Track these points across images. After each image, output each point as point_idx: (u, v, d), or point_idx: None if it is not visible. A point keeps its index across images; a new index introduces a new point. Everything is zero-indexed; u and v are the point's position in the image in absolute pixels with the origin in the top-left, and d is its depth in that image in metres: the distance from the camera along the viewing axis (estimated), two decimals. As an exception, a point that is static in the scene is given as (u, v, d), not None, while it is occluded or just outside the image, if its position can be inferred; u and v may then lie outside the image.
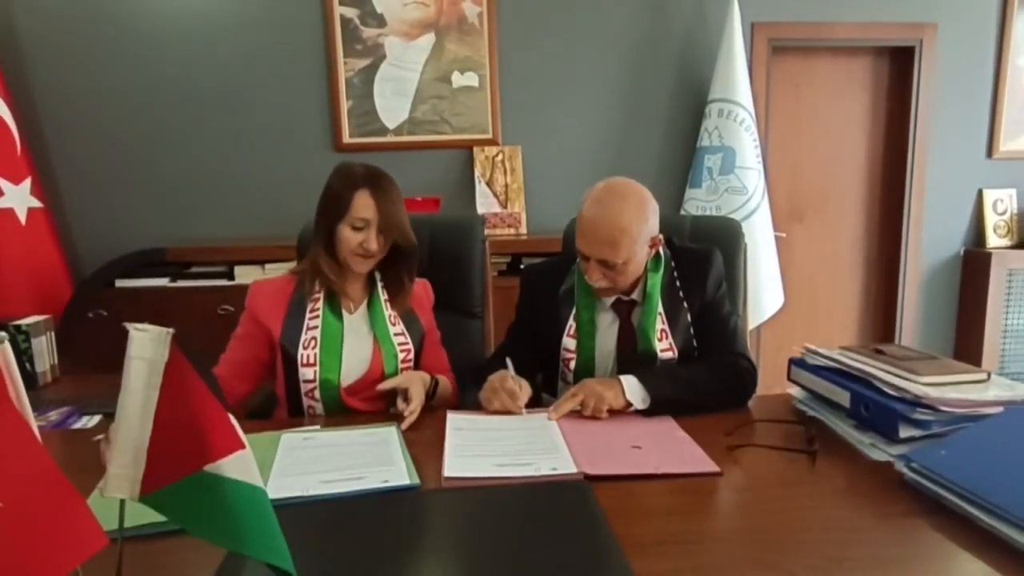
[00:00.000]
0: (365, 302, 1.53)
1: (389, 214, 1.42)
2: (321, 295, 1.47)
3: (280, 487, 0.97)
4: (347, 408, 1.43)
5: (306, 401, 1.44)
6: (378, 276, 1.53)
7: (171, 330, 0.63)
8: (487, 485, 0.99)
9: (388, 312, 1.51)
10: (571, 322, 1.48)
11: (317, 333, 1.44)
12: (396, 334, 1.50)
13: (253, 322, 1.48)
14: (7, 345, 0.61)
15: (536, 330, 1.53)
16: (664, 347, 1.43)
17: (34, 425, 0.63)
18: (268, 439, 1.19)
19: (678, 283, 1.48)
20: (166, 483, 0.64)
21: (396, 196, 1.45)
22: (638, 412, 1.29)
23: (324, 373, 1.41)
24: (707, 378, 1.34)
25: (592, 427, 1.23)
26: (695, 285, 1.47)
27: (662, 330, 1.44)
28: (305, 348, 1.42)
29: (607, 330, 1.48)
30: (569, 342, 1.47)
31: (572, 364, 1.47)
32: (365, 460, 1.09)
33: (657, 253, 1.47)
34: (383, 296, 1.52)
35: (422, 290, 1.61)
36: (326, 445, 1.18)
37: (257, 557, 0.65)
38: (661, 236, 1.45)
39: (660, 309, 1.44)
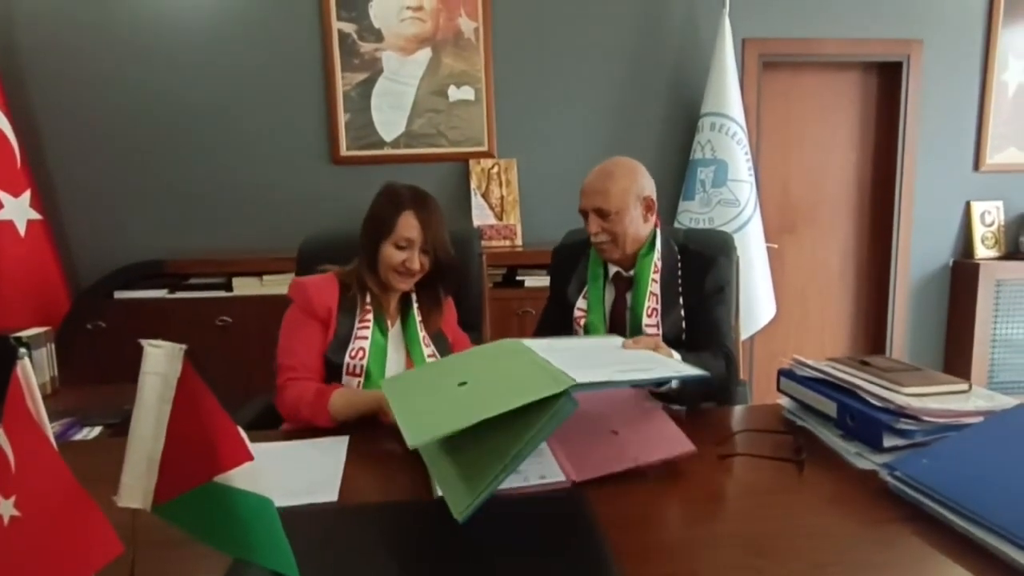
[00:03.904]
0: (399, 320, 1.56)
1: (433, 235, 1.48)
2: (372, 308, 1.50)
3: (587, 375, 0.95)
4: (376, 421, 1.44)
5: None
6: (414, 296, 1.57)
7: (184, 346, 0.65)
8: None
9: (421, 333, 1.55)
10: (586, 287, 1.66)
11: (366, 344, 1.46)
12: (428, 355, 1.53)
13: (316, 320, 1.47)
14: (27, 360, 0.64)
15: (562, 296, 1.70)
16: (650, 323, 1.55)
17: (51, 436, 0.65)
18: (510, 347, 1.17)
19: (680, 276, 1.60)
20: (178, 493, 0.67)
21: (439, 216, 1.51)
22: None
23: (368, 385, 1.44)
24: (709, 361, 1.43)
25: (571, 418, 1.23)
26: (694, 283, 1.59)
27: (653, 308, 1.56)
28: (352, 358, 1.44)
29: (607, 302, 1.64)
30: (582, 303, 1.65)
31: (583, 322, 1.62)
32: (628, 358, 1.11)
33: (653, 239, 1.61)
34: (418, 316, 1.56)
35: (447, 307, 1.65)
36: (570, 348, 1.19)
37: (264, 564, 0.68)
38: (654, 199, 1.60)
39: (656, 291, 1.57)
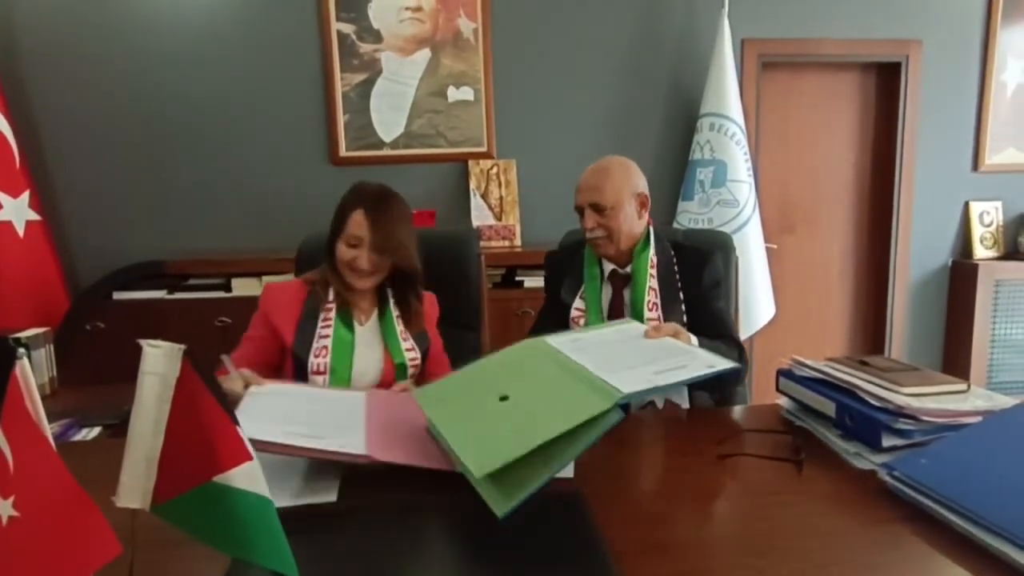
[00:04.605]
0: (376, 314, 1.57)
1: (383, 236, 1.45)
2: (334, 305, 1.51)
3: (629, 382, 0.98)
4: None
5: None
6: (390, 292, 1.57)
7: (183, 346, 0.65)
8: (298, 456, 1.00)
9: (399, 327, 1.55)
10: (582, 288, 1.67)
11: (328, 342, 1.47)
12: (407, 349, 1.54)
13: (265, 324, 1.51)
14: (26, 361, 0.64)
15: (558, 300, 1.70)
16: (652, 317, 1.56)
17: (50, 437, 0.65)
18: (540, 350, 1.16)
19: (677, 272, 1.61)
20: (177, 493, 0.67)
21: (395, 219, 1.48)
22: None
23: (334, 382, 1.45)
24: (724, 350, 1.43)
25: (397, 409, 1.22)
26: (692, 277, 1.60)
27: (653, 303, 1.57)
28: (316, 356, 1.46)
29: (603, 300, 1.64)
30: (580, 303, 1.66)
31: (582, 322, 1.63)
32: (657, 352, 1.14)
33: (647, 234, 1.63)
34: (395, 312, 1.56)
35: (429, 304, 1.64)
36: (596, 344, 1.20)
37: (264, 564, 0.68)
38: (648, 195, 1.63)
39: (654, 285, 1.59)
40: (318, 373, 1.45)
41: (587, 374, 1.02)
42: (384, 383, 1.50)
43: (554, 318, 1.70)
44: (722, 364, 1.07)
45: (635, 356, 1.13)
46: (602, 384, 0.97)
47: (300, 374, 1.47)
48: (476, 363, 1.21)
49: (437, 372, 1.60)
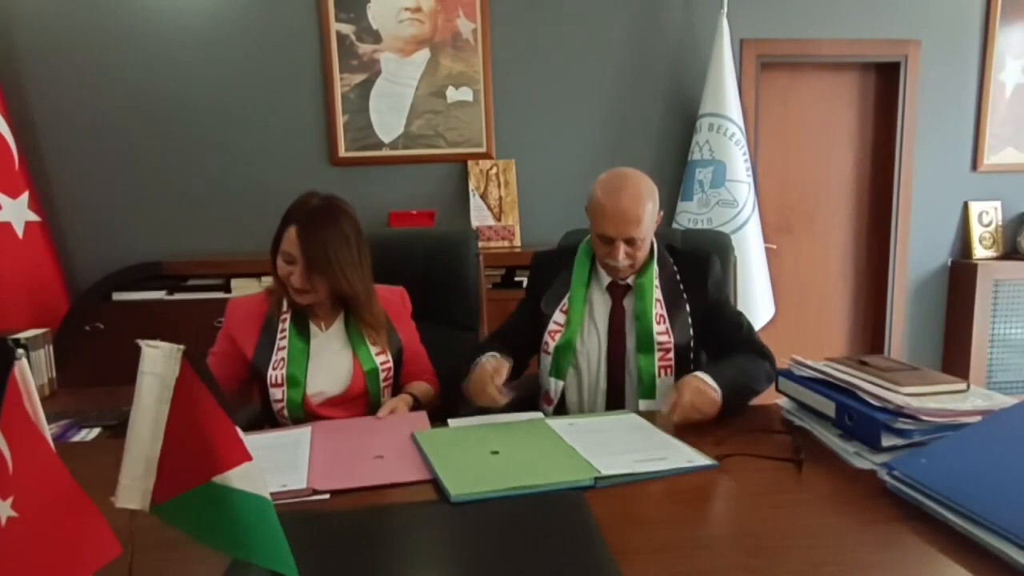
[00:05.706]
0: (341, 318, 1.52)
1: (314, 255, 1.38)
2: (288, 315, 1.48)
3: (609, 466, 1.09)
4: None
5: (279, 419, 1.46)
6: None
7: (182, 347, 0.65)
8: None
9: (367, 332, 1.51)
10: (565, 300, 1.56)
11: (285, 354, 1.44)
12: (377, 353, 1.50)
13: (228, 341, 1.50)
14: (24, 361, 0.64)
15: (538, 308, 1.60)
16: (660, 331, 1.50)
17: (49, 438, 0.65)
18: (538, 427, 1.30)
19: (679, 279, 1.56)
20: (176, 494, 0.67)
21: (332, 238, 1.40)
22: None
23: (289, 392, 1.42)
24: (746, 364, 1.44)
25: (342, 441, 1.25)
26: (695, 285, 1.56)
27: (660, 315, 1.52)
28: (274, 369, 1.43)
29: (601, 311, 1.56)
30: (560, 316, 1.56)
31: (557, 336, 1.54)
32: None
33: (651, 246, 1.56)
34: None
35: (398, 299, 1.61)
36: (591, 431, 1.28)
37: (263, 565, 0.68)
38: (662, 212, 1.56)
39: (659, 296, 1.53)
40: (275, 385, 1.42)
41: (573, 452, 1.15)
42: (355, 390, 1.47)
43: (527, 323, 1.61)
44: (699, 461, 1.12)
45: (621, 443, 1.22)
46: (584, 463, 1.10)
47: (263, 388, 1.45)
48: (481, 427, 1.31)
49: (415, 370, 1.57)
